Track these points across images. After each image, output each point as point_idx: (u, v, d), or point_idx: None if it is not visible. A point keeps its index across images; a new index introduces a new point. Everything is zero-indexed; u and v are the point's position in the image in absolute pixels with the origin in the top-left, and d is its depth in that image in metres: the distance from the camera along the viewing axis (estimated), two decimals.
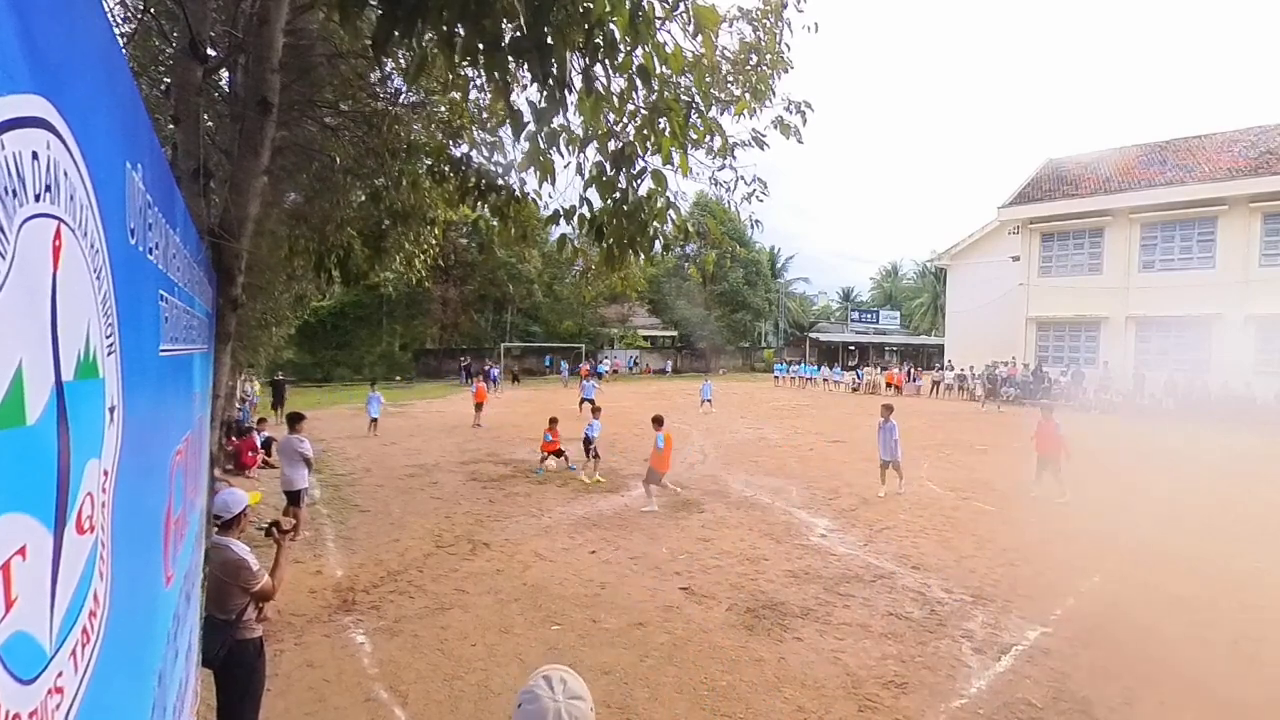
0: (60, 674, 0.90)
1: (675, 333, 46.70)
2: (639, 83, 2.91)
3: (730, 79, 4.46)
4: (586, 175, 3.34)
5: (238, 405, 14.59)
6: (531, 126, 2.82)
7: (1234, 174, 21.88)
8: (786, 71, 4.47)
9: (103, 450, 1.15)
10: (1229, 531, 7.94)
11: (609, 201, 3.43)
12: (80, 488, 1.00)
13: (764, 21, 4.42)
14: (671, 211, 3.78)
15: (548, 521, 8.35)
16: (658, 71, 2.88)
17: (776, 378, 36.60)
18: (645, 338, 46.09)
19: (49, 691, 0.86)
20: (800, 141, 4.43)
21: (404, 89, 6.10)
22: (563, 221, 3.60)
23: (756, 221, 5.07)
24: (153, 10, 4.91)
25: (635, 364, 44.85)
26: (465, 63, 2.54)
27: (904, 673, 4.54)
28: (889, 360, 48.09)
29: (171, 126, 3.72)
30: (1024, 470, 10.70)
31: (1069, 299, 25.15)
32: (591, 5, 2.31)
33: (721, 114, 4.20)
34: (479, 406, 17.74)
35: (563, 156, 3.19)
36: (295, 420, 8.05)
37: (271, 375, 21.26)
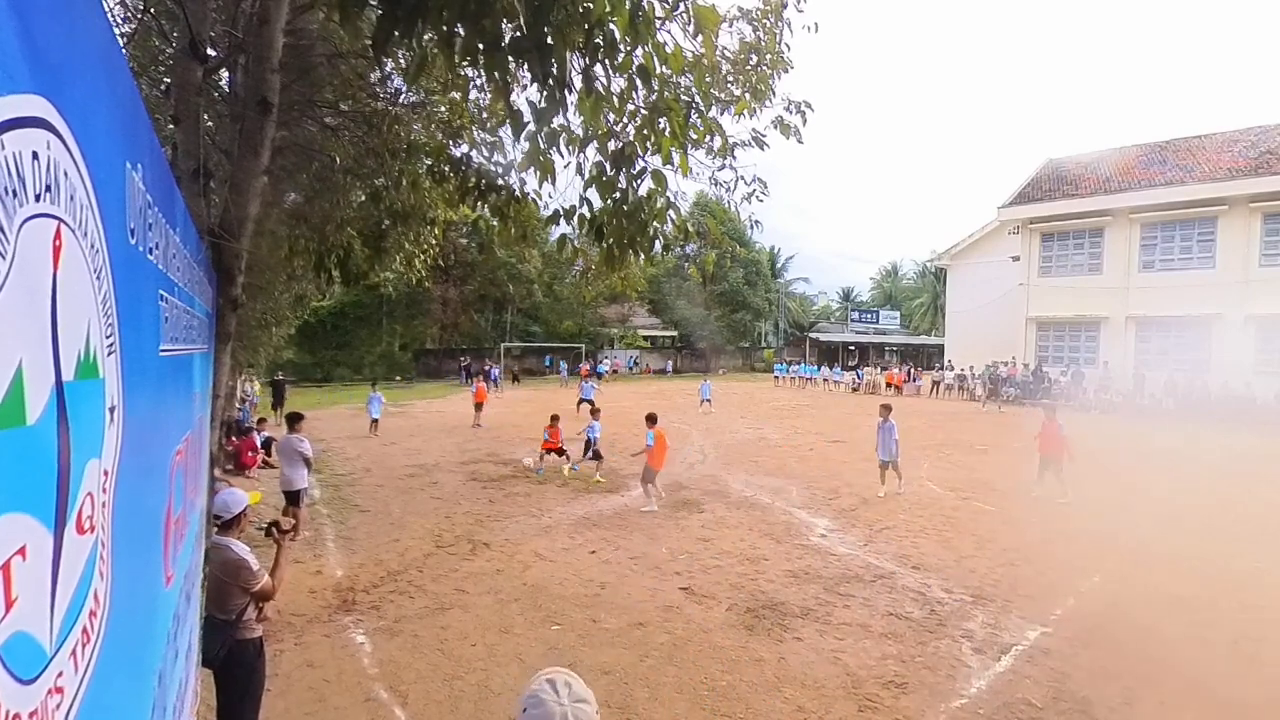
0: (60, 674, 0.90)
1: (675, 333, 46.70)
2: (639, 83, 2.91)
3: (730, 79, 4.46)
4: (586, 175, 3.33)
5: (238, 405, 14.59)
6: (531, 126, 2.82)
7: (1234, 174, 21.89)
8: (786, 71, 4.47)
9: (103, 450, 1.15)
10: (1229, 531, 7.94)
11: (609, 201, 3.43)
12: (80, 488, 1.00)
13: (764, 21, 4.42)
14: (671, 211, 3.78)
15: (548, 521, 8.35)
16: (658, 71, 2.88)
17: (776, 378, 36.60)
18: (645, 338, 46.09)
19: (49, 691, 0.86)
20: (800, 141, 4.43)
21: (404, 89, 6.09)
22: (563, 221, 3.60)
23: (756, 222, 5.07)
24: (153, 10, 4.90)
25: (635, 364, 44.84)
26: (465, 63, 2.54)
27: (904, 673, 4.54)
28: (889, 360, 48.08)
29: (171, 126, 3.72)
30: (1024, 470, 10.70)
31: (1069, 299, 25.15)
32: (591, 5, 2.31)
33: (721, 114, 4.20)
34: (479, 406, 17.74)
35: (563, 156, 3.19)
36: (294, 420, 8.05)
37: (271, 375, 21.24)
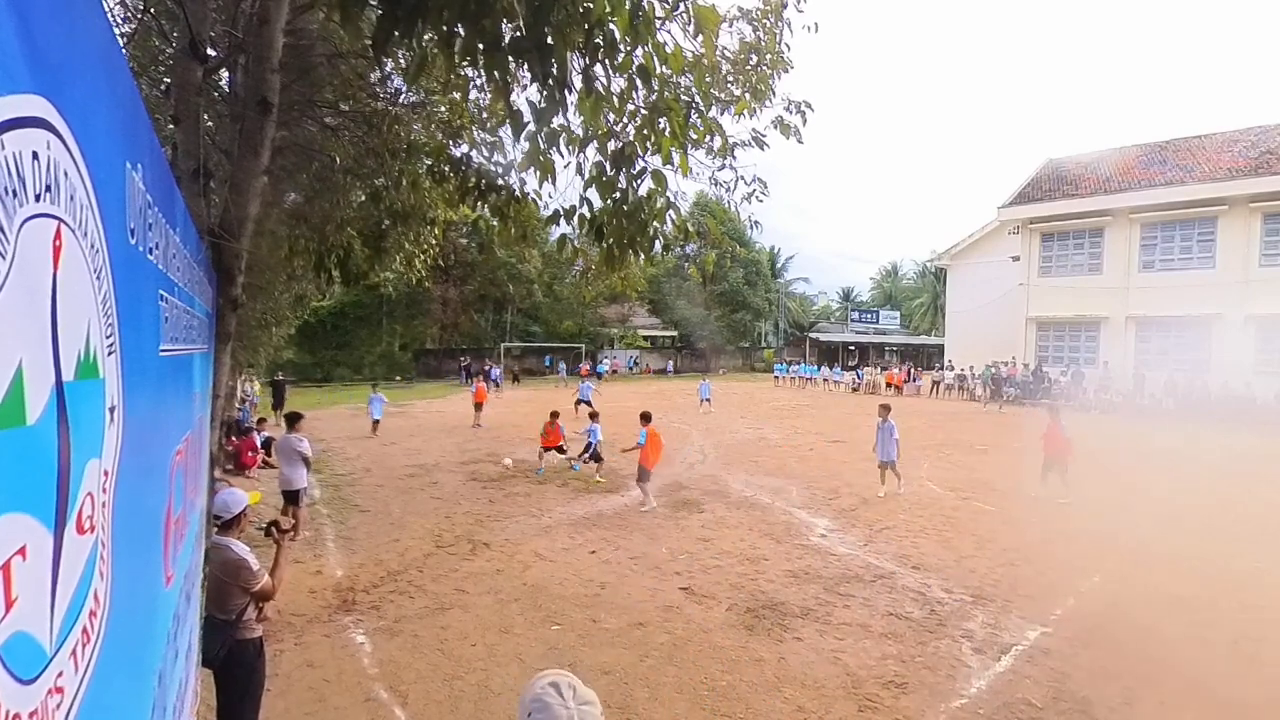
0: (60, 674, 0.90)
1: (675, 333, 46.71)
2: (639, 83, 2.91)
3: (730, 79, 4.45)
4: (586, 175, 3.33)
5: (238, 405, 14.59)
6: (531, 126, 2.82)
7: (1234, 174, 21.88)
8: (786, 71, 4.47)
9: (103, 450, 1.15)
10: (1229, 531, 7.94)
11: (609, 201, 3.43)
12: (80, 488, 1.00)
13: (764, 21, 4.41)
14: (671, 211, 3.77)
15: (548, 521, 8.35)
16: (658, 71, 2.88)
17: (776, 378, 36.60)
18: (645, 338, 46.10)
19: (49, 691, 0.86)
20: (800, 141, 4.43)
21: (404, 89, 6.09)
22: (563, 221, 3.60)
23: (756, 222, 5.07)
24: (153, 10, 4.90)
25: (635, 364, 44.84)
26: (465, 63, 2.54)
27: (904, 673, 4.54)
28: (889, 360, 48.07)
29: (171, 126, 3.71)
30: (1024, 470, 10.70)
31: (1069, 299, 25.15)
32: (591, 5, 2.31)
33: (721, 114, 4.20)
34: (479, 406, 17.74)
35: (563, 156, 3.19)
36: (293, 420, 8.04)
37: (271, 375, 21.24)
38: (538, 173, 3.17)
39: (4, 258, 0.71)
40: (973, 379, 26.81)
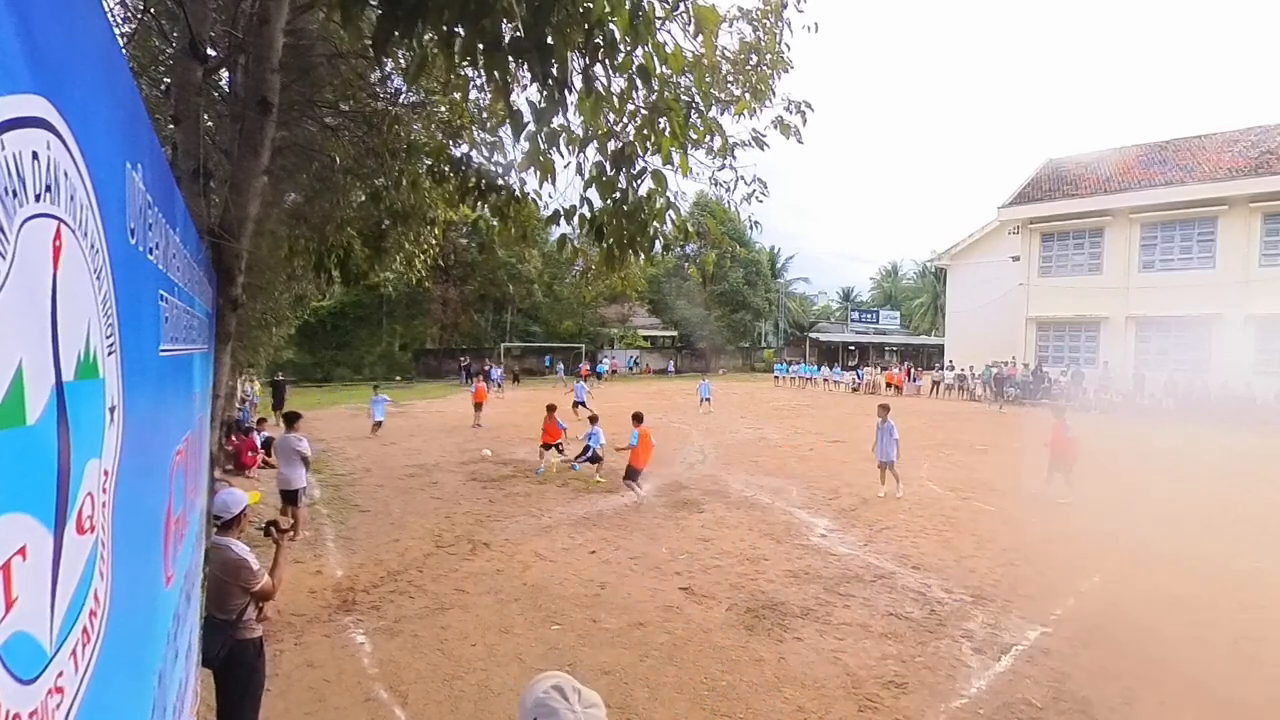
0: (60, 674, 0.90)
1: (675, 333, 46.71)
2: (639, 83, 2.91)
3: (730, 79, 4.45)
4: (586, 175, 3.33)
5: (238, 405, 14.59)
6: (531, 126, 2.81)
7: (1234, 174, 21.89)
8: (786, 71, 4.47)
9: (103, 450, 1.15)
10: (1229, 531, 7.94)
11: (609, 201, 3.42)
12: (80, 488, 1.00)
13: (764, 21, 4.41)
14: (671, 211, 3.77)
15: (548, 521, 8.35)
16: (658, 71, 2.88)
17: (776, 378, 36.60)
18: (645, 338, 46.10)
19: (49, 691, 0.86)
20: (800, 141, 4.43)
21: (404, 89, 6.09)
22: (563, 221, 3.60)
23: (756, 222, 5.07)
24: (153, 10, 4.90)
25: (635, 364, 44.84)
26: (465, 63, 2.54)
27: (904, 673, 4.54)
28: (889, 360, 48.07)
29: (171, 126, 3.71)
30: (1024, 470, 10.71)
31: (1069, 299, 25.15)
32: (591, 5, 2.31)
33: (721, 114, 4.19)
34: (478, 406, 17.74)
35: (563, 156, 3.19)
36: (292, 419, 8.04)
37: (271, 375, 21.23)
38: (538, 173, 3.17)
39: (4, 258, 0.71)
40: (973, 379, 26.81)
